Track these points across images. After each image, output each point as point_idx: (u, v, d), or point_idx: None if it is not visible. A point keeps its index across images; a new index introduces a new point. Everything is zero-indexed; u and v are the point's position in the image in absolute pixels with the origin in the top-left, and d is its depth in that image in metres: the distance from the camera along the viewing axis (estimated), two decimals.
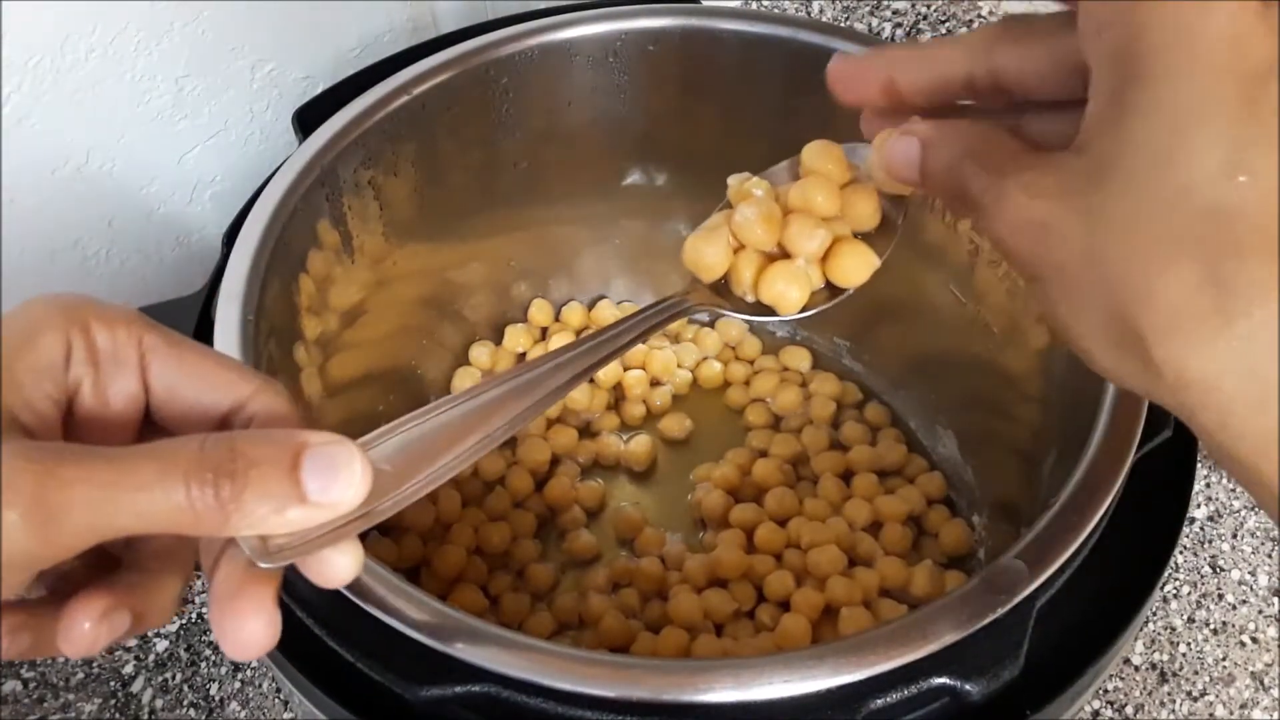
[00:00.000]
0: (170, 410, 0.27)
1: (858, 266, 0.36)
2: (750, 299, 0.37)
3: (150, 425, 0.27)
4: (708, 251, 0.37)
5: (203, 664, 0.51)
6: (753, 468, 0.53)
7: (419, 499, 0.26)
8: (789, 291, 0.36)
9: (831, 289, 0.37)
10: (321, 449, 0.24)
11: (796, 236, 0.36)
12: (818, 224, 0.36)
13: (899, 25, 0.76)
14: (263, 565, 0.24)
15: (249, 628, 0.24)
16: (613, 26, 0.50)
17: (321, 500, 0.23)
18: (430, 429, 0.27)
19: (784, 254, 0.37)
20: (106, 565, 0.25)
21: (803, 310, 0.37)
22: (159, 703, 0.50)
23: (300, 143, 0.45)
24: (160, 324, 0.26)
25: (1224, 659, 0.50)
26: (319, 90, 0.49)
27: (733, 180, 0.38)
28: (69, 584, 0.24)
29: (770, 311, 0.37)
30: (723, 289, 0.37)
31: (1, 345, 0.24)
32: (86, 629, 0.24)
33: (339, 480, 0.23)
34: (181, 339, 0.27)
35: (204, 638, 0.52)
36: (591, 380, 0.56)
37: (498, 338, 0.58)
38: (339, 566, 0.25)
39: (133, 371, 0.26)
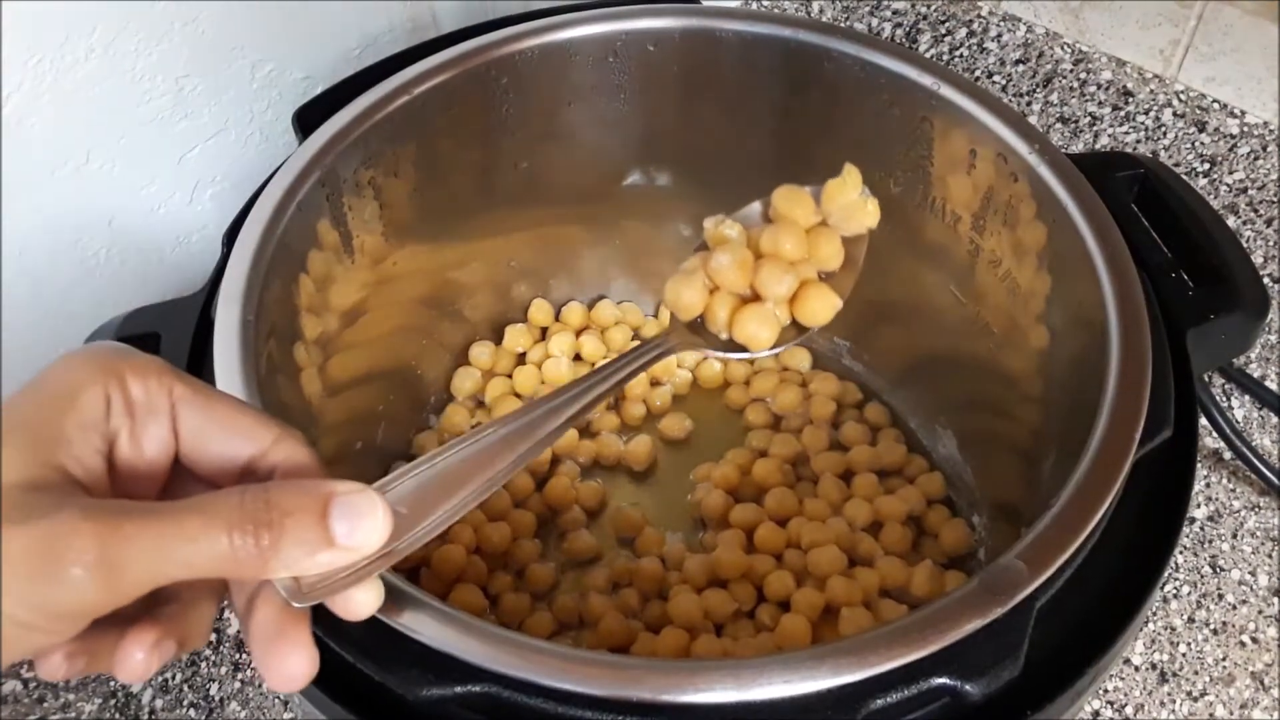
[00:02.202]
0: (197, 456, 0.29)
1: (822, 308, 0.40)
2: (724, 336, 0.40)
3: (179, 471, 0.29)
4: (685, 294, 0.40)
5: (203, 664, 0.51)
6: (753, 468, 0.53)
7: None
8: (760, 332, 0.39)
9: (798, 326, 0.41)
10: (347, 497, 0.27)
11: (767, 281, 0.39)
12: (787, 269, 0.39)
13: (899, 25, 0.76)
14: (297, 605, 0.27)
15: (292, 663, 0.27)
16: (613, 27, 0.50)
17: (349, 544, 0.26)
18: (439, 472, 0.30)
19: (755, 296, 0.40)
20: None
21: (772, 348, 0.40)
22: (159, 703, 0.50)
23: (300, 143, 0.45)
24: (188, 374, 0.29)
25: (1224, 659, 0.50)
26: (319, 90, 0.49)
27: (709, 223, 0.41)
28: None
29: (742, 349, 0.40)
30: (699, 327, 0.40)
31: (49, 404, 0.26)
32: (140, 659, 0.26)
33: (363, 525, 0.26)
34: (208, 388, 0.29)
35: None
36: None
37: (498, 338, 0.58)
38: (363, 603, 0.28)
39: (165, 420, 0.28)
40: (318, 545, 0.26)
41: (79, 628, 0.25)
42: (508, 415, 0.33)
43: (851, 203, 0.40)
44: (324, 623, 0.32)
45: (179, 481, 0.29)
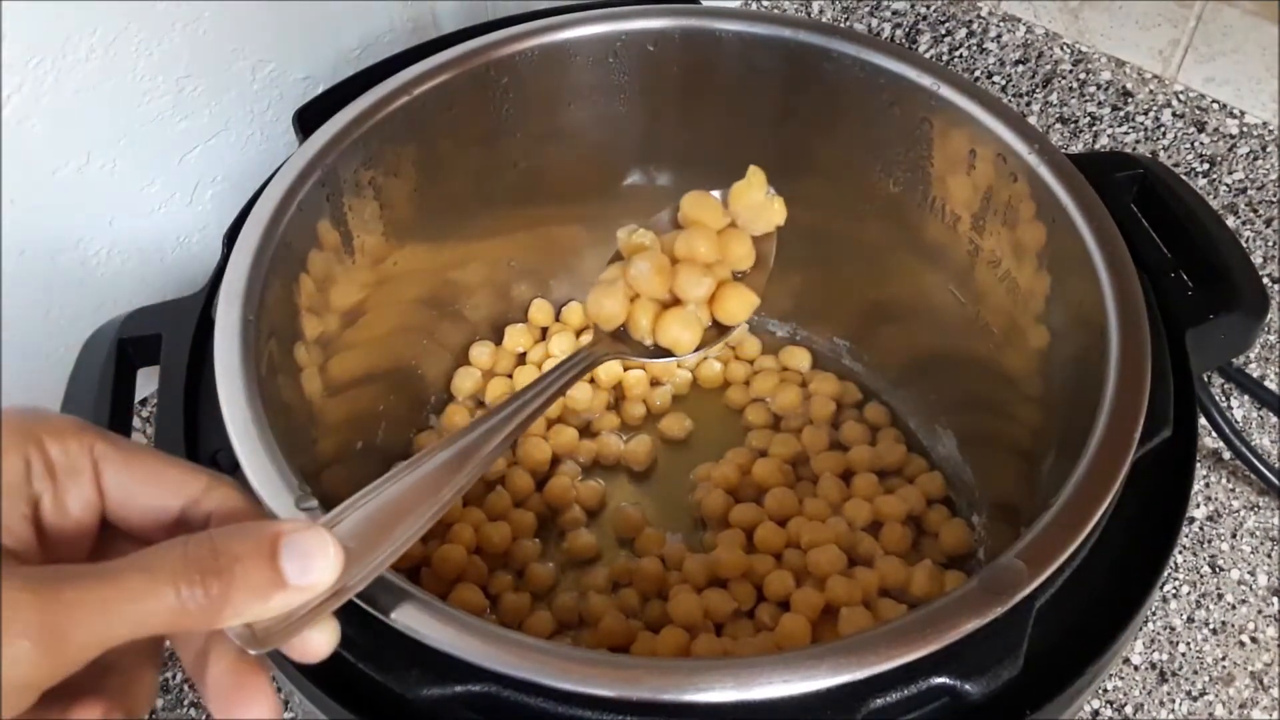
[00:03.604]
0: (125, 513, 0.28)
1: (740, 306, 0.41)
2: (649, 342, 0.41)
3: (108, 529, 0.28)
4: (607, 304, 0.41)
5: None
6: (753, 467, 0.53)
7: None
8: (684, 335, 0.40)
9: (719, 327, 0.42)
10: (295, 536, 0.26)
11: (686, 285, 0.40)
12: (704, 272, 0.40)
13: (899, 26, 0.76)
14: (253, 652, 0.26)
15: (256, 714, 0.26)
16: (613, 27, 0.50)
17: (301, 583, 0.26)
18: (383, 504, 0.30)
19: (675, 300, 0.41)
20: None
21: (696, 349, 0.41)
22: (159, 702, 0.50)
23: (301, 143, 0.45)
24: (109, 432, 0.28)
25: (1223, 659, 0.50)
26: (319, 90, 0.49)
27: (622, 233, 0.42)
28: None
29: (667, 353, 0.41)
30: (623, 335, 0.41)
31: None
32: None
33: (315, 563, 0.26)
34: (131, 444, 0.28)
35: None
36: (591, 379, 0.56)
37: (498, 338, 0.58)
38: (320, 644, 0.27)
39: (88, 480, 0.27)
40: (270, 588, 0.25)
41: (30, 701, 0.24)
42: (444, 440, 0.33)
43: (758, 203, 0.42)
44: None
45: (108, 541, 0.28)
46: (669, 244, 0.41)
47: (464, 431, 0.34)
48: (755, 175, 0.41)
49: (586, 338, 0.58)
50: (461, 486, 0.32)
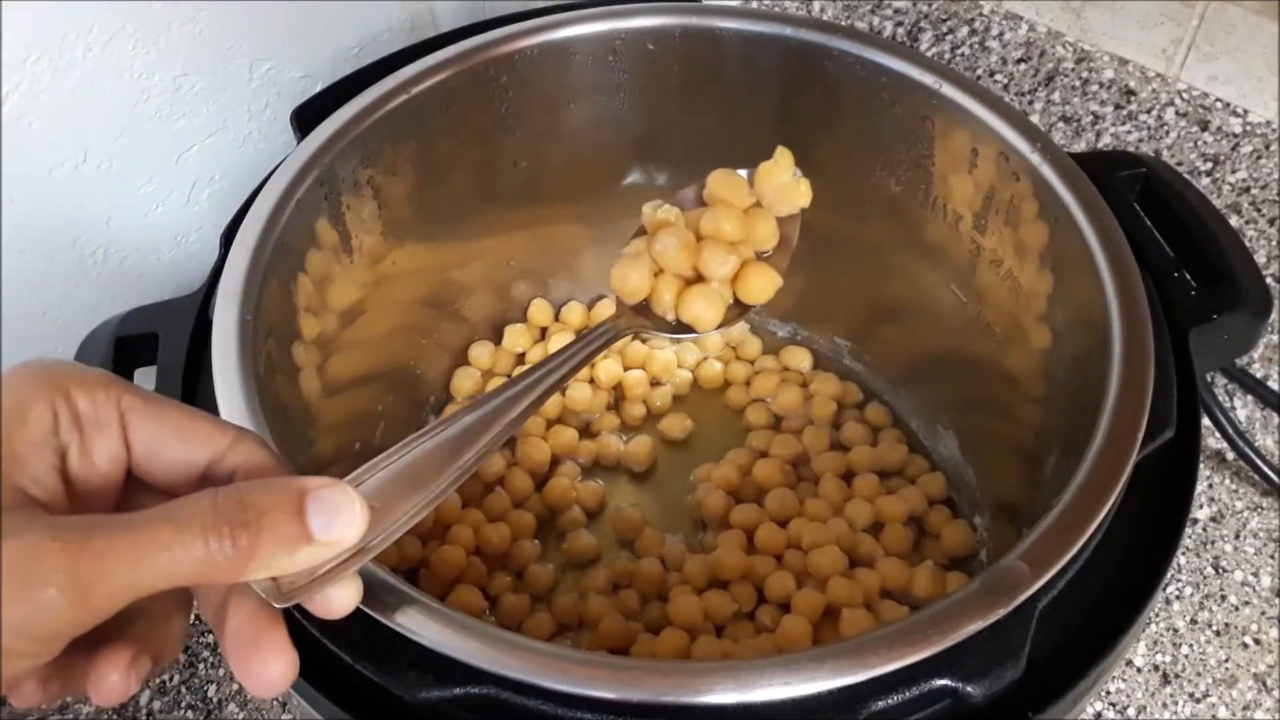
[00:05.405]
0: (151, 466, 0.28)
1: (763, 286, 0.41)
2: (670, 318, 0.41)
3: (133, 481, 0.28)
4: (631, 277, 0.41)
5: (200, 665, 0.51)
6: (753, 468, 0.53)
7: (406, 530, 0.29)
8: (706, 312, 0.40)
9: (740, 305, 0.41)
10: (321, 492, 0.26)
11: (710, 262, 0.40)
12: (729, 250, 0.40)
13: (900, 24, 0.76)
14: (277, 605, 0.26)
15: (273, 668, 0.26)
16: (612, 25, 0.50)
17: (327, 538, 0.26)
18: (406, 465, 0.30)
19: (698, 277, 0.41)
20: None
21: (718, 327, 0.41)
22: (157, 704, 0.50)
23: (298, 142, 0.45)
24: (136, 385, 0.28)
25: (1226, 660, 0.50)
26: (317, 89, 0.49)
27: (647, 208, 0.42)
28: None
29: (688, 329, 0.41)
30: (645, 309, 0.41)
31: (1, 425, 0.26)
32: (115, 680, 0.26)
33: (341, 518, 0.26)
34: (158, 398, 0.28)
35: (201, 639, 0.51)
36: (591, 380, 0.56)
37: (497, 337, 0.58)
38: (343, 600, 0.28)
39: (115, 432, 0.28)
40: (296, 542, 0.25)
41: (58, 649, 0.24)
42: (469, 405, 0.33)
43: (784, 184, 0.42)
44: (322, 624, 0.31)
45: (133, 494, 0.28)
46: (694, 221, 0.41)
47: (489, 397, 0.33)
48: (783, 156, 0.41)
49: None
50: (484, 452, 0.32)
